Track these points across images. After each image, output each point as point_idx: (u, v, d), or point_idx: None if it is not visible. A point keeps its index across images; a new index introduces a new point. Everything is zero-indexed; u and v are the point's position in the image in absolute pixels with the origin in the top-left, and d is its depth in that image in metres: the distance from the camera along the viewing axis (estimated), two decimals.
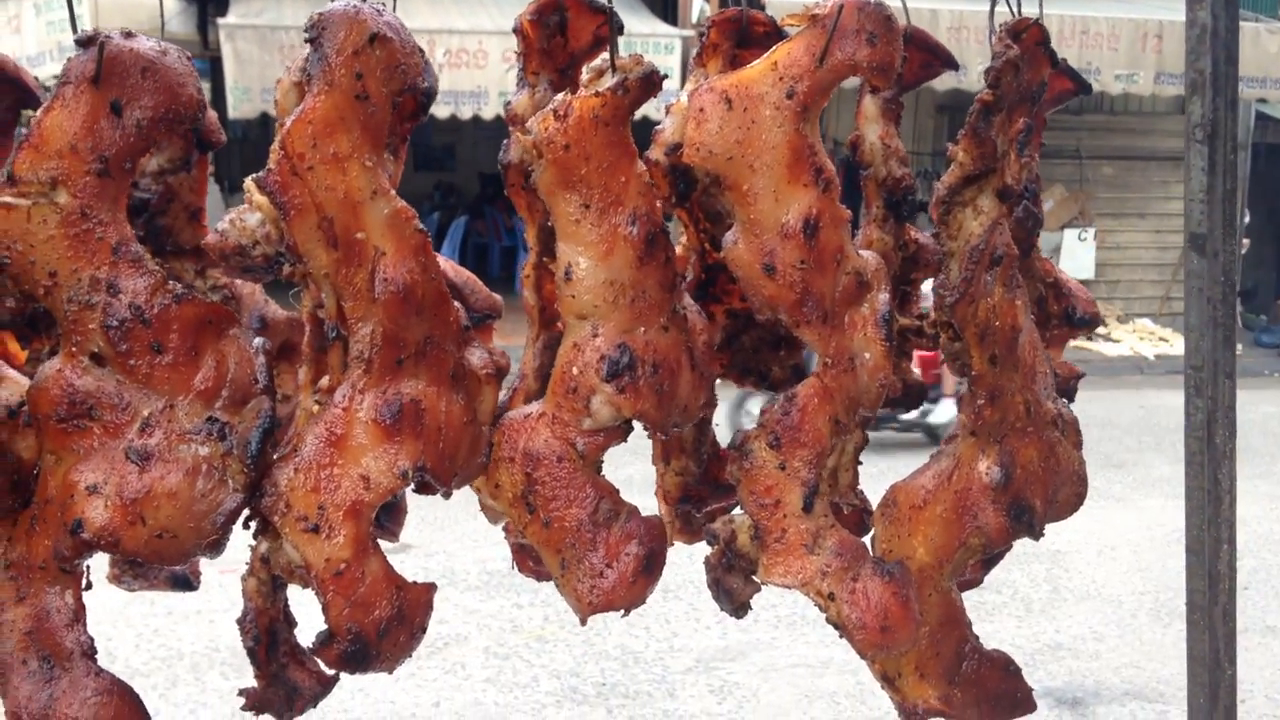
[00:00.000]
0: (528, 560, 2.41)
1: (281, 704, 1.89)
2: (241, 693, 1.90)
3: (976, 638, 1.87)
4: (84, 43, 1.39)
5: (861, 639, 1.64)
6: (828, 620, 1.66)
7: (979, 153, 1.75)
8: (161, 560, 1.44)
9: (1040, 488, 1.83)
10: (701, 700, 5.70)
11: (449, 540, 7.57)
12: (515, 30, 1.95)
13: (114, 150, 1.40)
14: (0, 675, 1.45)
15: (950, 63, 2.17)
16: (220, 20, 12.30)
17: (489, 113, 12.81)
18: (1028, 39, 1.79)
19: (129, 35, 1.42)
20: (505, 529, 2.33)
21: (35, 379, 1.43)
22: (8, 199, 1.37)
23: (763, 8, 2.03)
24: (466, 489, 1.76)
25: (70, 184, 1.38)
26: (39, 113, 1.39)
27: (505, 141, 1.98)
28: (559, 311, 1.67)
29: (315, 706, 1.96)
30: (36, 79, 2.07)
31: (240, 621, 1.89)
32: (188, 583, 2.29)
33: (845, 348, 1.70)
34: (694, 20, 13.25)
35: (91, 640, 1.45)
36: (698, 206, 2.07)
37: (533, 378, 2.07)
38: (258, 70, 11.93)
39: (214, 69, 17.16)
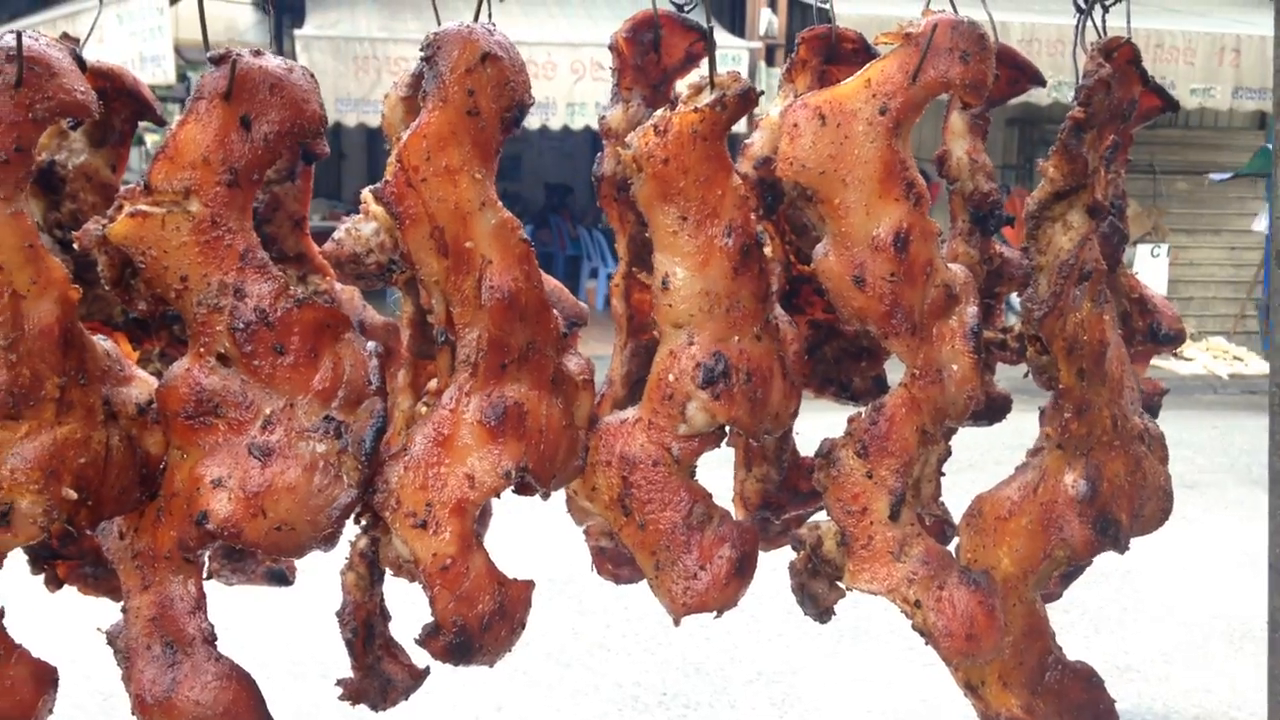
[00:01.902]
0: (606, 563, 2.46)
1: (376, 695, 1.96)
2: (339, 682, 1.97)
3: (1060, 649, 1.89)
4: (217, 60, 1.47)
5: (947, 646, 1.67)
6: (913, 627, 1.69)
7: (1070, 169, 1.77)
8: (279, 552, 1.51)
9: (1126, 502, 1.85)
10: (762, 712, 5.71)
11: (510, 546, 7.64)
12: (610, 47, 2.01)
13: (243, 162, 1.47)
14: (126, 659, 1.53)
15: (1037, 79, 2.19)
16: (297, 31, 12.58)
17: (555, 123, 12.95)
18: (1119, 57, 1.81)
19: (257, 53, 1.50)
20: (587, 531, 2.39)
21: (164, 378, 1.51)
22: (144, 207, 1.45)
23: (831, 19, 2.06)
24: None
25: (202, 193, 1.46)
26: (174, 125, 1.47)
27: (599, 155, 2.05)
28: (655, 320, 1.72)
29: (406, 699, 2.03)
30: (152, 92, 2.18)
31: (339, 614, 1.97)
32: (284, 578, 2.38)
33: (933, 359, 1.73)
34: (761, 32, 13.27)
35: (212, 627, 1.53)
36: (784, 219, 2.12)
37: (620, 384, 2.13)
38: (331, 80, 12.17)
39: None
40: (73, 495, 1.43)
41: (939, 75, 1.68)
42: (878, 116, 1.67)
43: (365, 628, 1.96)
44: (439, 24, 1.70)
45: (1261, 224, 14.99)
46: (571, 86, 12.68)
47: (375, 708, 1.96)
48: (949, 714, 5.71)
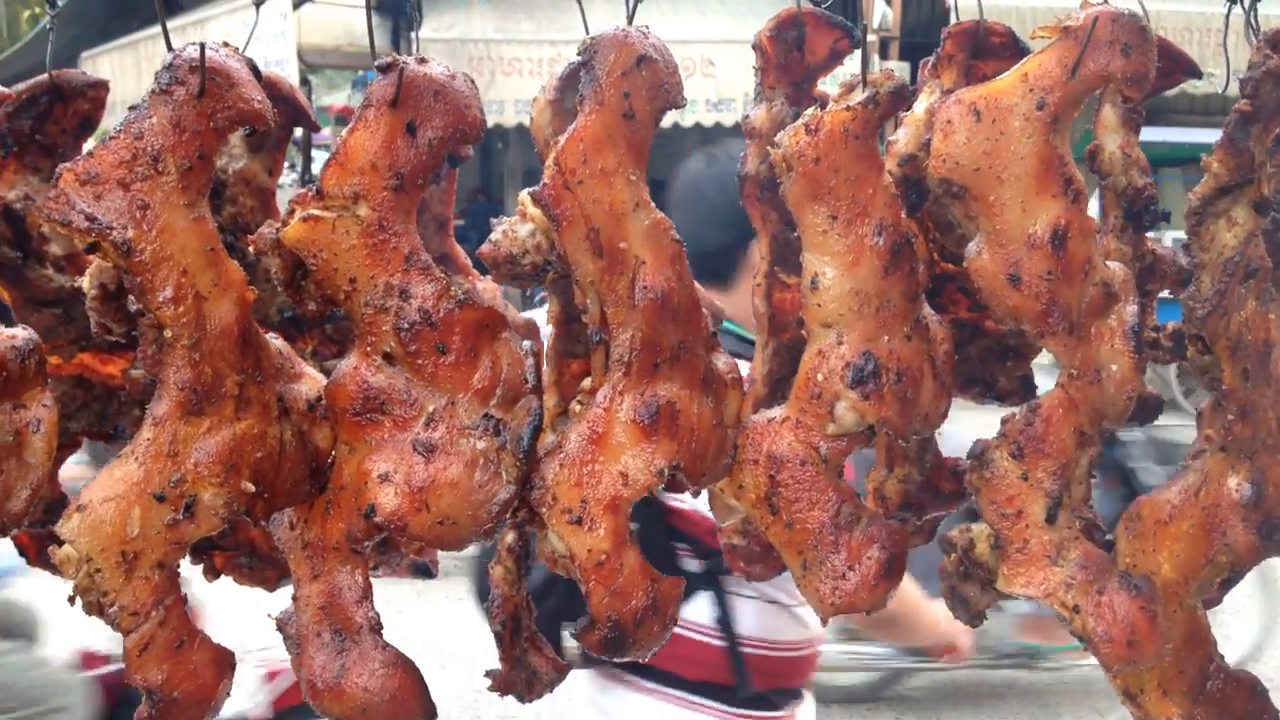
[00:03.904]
0: (739, 561, 2.47)
1: (522, 687, 2.00)
2: (488, 674, 2.02)
3: (1222, 656, 1.83)
4: (384, 69, 1.52)
5: (1107, 652, 1.63)
6: (1071, 632, 1.66)
7: (1235, 164, 1.71)
8: (441, 545, 1.55)
9: None
10: None
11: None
12: (754, 46, 2.01)
13: (408, 167, 1.52)
14: (297, 646, 1.59)
15: (1192, 71, 2.11)
16: (413, 35, 12.85)
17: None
18: None
19: (422, 61, 1.55)
20: (721, 529, 2.40)
21: (333, 376, 1.57)
22: (316, 211, 1.51)
23: (946, 12, 2.03)
24: None
25: (370, 198, 1.51)
26: (344, 133, 1.53)
27: (742, 153, 2.05)
28: (803, 319, 1.72)
29: (551, 691, 2.06)
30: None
31: (487, 608, 2.02)
32: (427, 570, 2.44)
33: (1091, 359, 1.69)
34: (875, 25, 13.09)
35: (378, 616, 1.58)
36: (928, 216, 2.09)
37: (761, 383, 2.13)
38: None
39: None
40: (251, 488, 1.49)
41: (1099, 69, 1.64)
42: (1035, 112, 1.64)
43: (513, 620, 2.00)
44: (586, 29, 1.73)
45: None
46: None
47: (522, 699, 2.00)
48: None
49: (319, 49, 16.55)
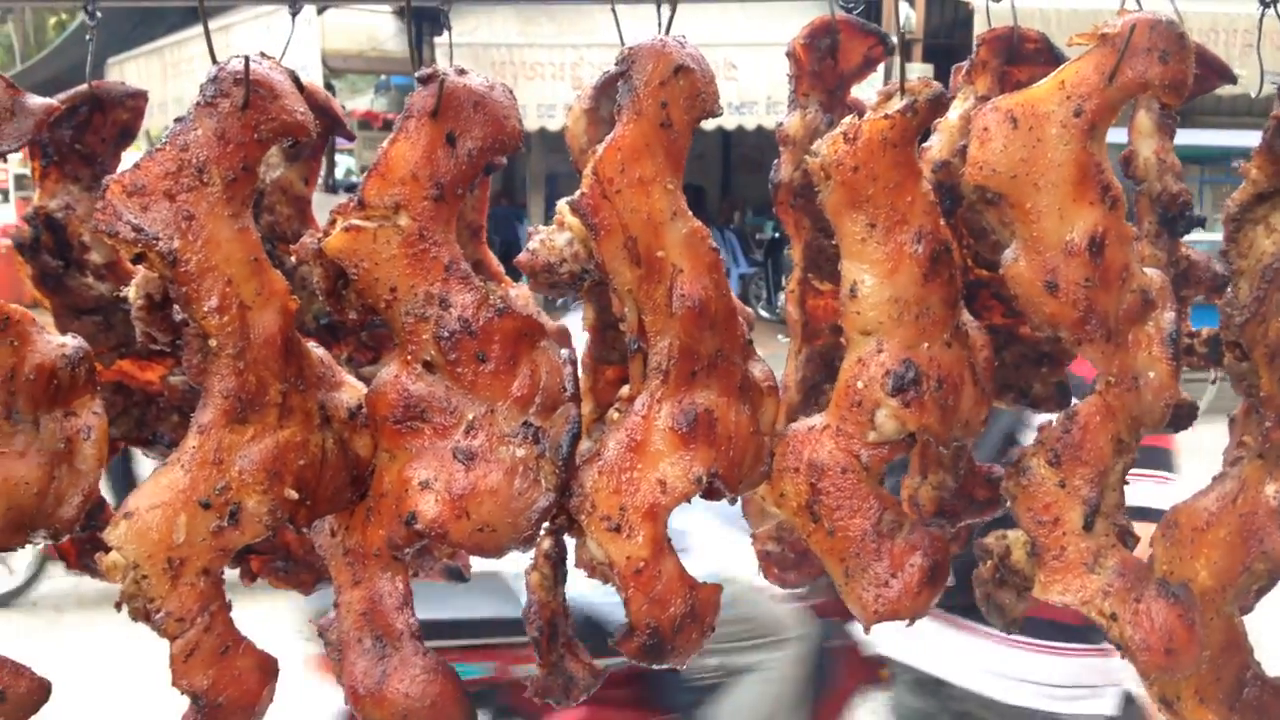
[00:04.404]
0: (773, 568, 2.47)
1: (560, 692, 2.02)
2: (525, 679, 2.03)
3: (1259, 664, 1.82)
4: (425, 79, 1.53)
5: (1145, 660, 1.63)
6: (1109, 640, 1.66)
7: (1273, 170, 1.71)
8: (481, 552, 1.56)
9: None
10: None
11: None
12: (787, 54, 2.02)
13: (448, 177, 1.53)
14: (339, 652, 1.61)
15: (1227, 76, 2.11)
16: (437, 39, 12.90)
17: None
18: None
19: (462, 72, 1.56)
20: (754, 536, 2.40)
21: (374, 384, 1.58)
22: (357, 221, 1.52)
23: (969, 15, 2.02)
24: None
25: (410, 208, 1.52)
26: (385, 144, 1.54)
27: (775, 161, 2.05)
28: (842, 327, 1.72)
29: (588, 696, 2.07)
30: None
31: (524, 614, 2.03)
32: (460, 574, 2.46)
33: (1129, 366, 1.69)
34: (899, 26, 13.06)
35: (418, 623, 1.59)
36: (962, 222, 2.09)
37: (795, 390, 2.13)
38: None
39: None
40: (294, 495, 1.51)
41: (1137, 76, 1.64)
42: (1072, 119, 1.64)
43: (550, 626, 2.01)
44: (619, 39, 1.74)
45: None
46: None
47: (559, 704, 2.02)
48: None
49: (342, 54, 16.63)
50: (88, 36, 2.21)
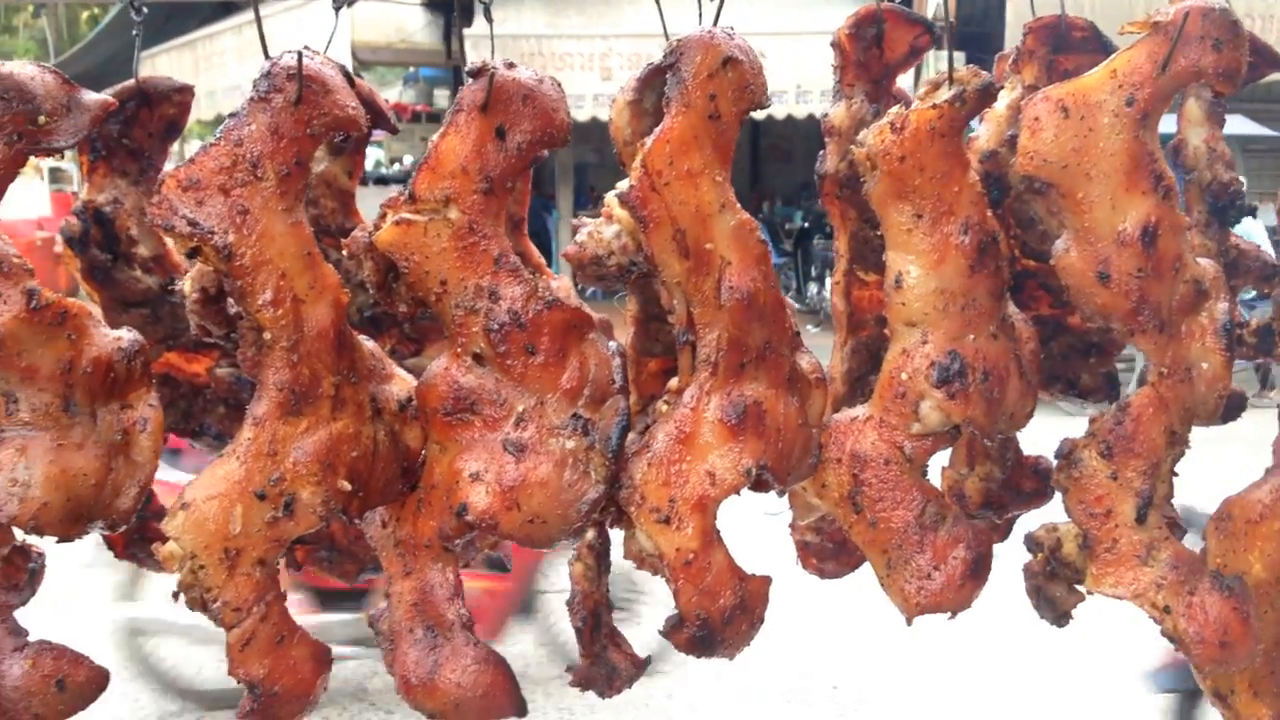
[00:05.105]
0: (811, 558, 2.47)
1: (603, 682, 2.02)
2: (568, 669, 2.04)
3: None
4: (474, 74, 1.54)
5: (1199, 653, 1.62)
6: (1162, 633, 1.65)
7: None
8: (530, 543, 1.57)
9: None
10: (939, 708, 5.63)
11: None
12: (832, 44, 2.01)
13: (498, 170, 1.54)
14: (390, 642, 1.62)
15: (1277, 63, 2.08)
16: (466, 31, 12.93)
17: None
18: None
19: (511, 66, 1.56)
20: (792, 526, 2.40)
21: (424, 376, 1.59)
22: (408, 215, 1.53)
23: (1001, 1, 2.00)
24: None
25: (460, 201, 1.53)
26: (435, 138, 1.55)
27: (821, 152, 2.04)
28: (887, 318, 1.72)
29: (630, 687, 2.08)
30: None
31: (568, 604, 2.04)
32: (502, 565, 2.47)
33: (1182, 357, 1.68)
34: (929, 15, 12.95)
35: (469, 613, 1.60)
36: (1009, 213, 2.07)
37: (840, 381, 2.13)
38: None
39: (456, 78, 18.01)
40: (347, 486, 1.52)
41: (1190, 64, 1.62)
42: (1124, 108, 1.62)
43: (593, 617, 2.02)
44: (666, 33, 1.74)
45: None
46: None
47: (602, 694, 2.02)
48: None
49: (370, 46, 16.69)
50: (135, 32, 2.23)
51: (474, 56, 12.61)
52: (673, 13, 1.83)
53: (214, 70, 15.35)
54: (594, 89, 13.34)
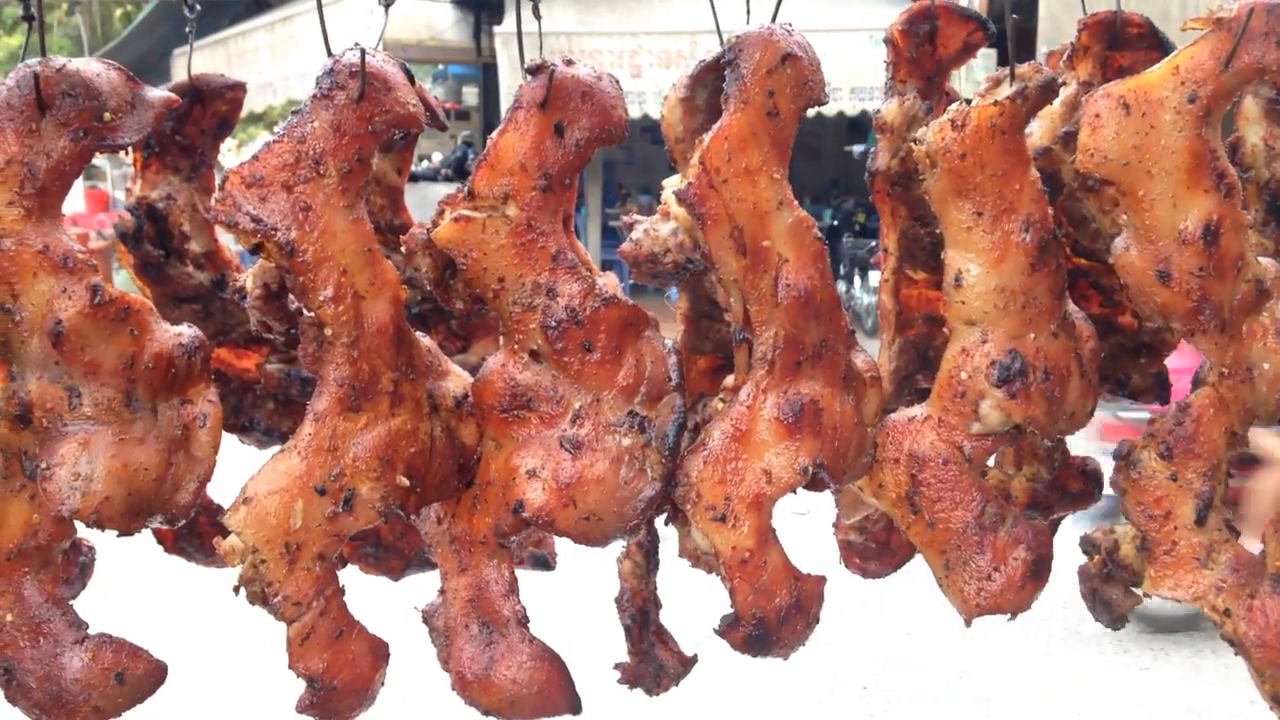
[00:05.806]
0: (854, 558, 2.46)
1: (650, 679, 2.02)
2: (616, 667, 2.04)
3: None
4: (534, 71, 1.54)
5: (1260, 657, 1.60)
6: (1222, 636, 1.63)
7: None
8: (587, 541, 1.57)
9: None
10: (966, 710, 5.60)
11: None
12: (885, 40, 1.99)
13: (556, 167, 1.54)
14: (445, 638, 1.63)
15: None
16: (496, 28, 12.95)
17: None
18: None
19: (569, 62, 1.56)
20: (836, 525, 2.39)
21: (480, 373, 1.59)
22: (466, 212, 1.53)
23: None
24: None
25: (519, 198, 1.53)
26: (494, 135, 1.55)
27: (872, 149, 2.03)
28: (945, 316, 1.71)
29: (677, 685, 2.08)
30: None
31: (618, 601, 2.04)
32: (546, 563, 2.47)
33: (1243, 357, 1.66)
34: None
35: (525, 609, 1.60)
36: (1061, 210, 2.06)
37: (888, 380, 2.11)
38: None
39: (486, 75, 18.04)
40: (405, 482, 1.52)
41: (1254, 61, 1.60)
42: (1186, 105, 1.60)
43: (641, 614, 2.02)
44: (719, 30, 1.73)
45: None
46: None
47: (650, 692, 2.03)
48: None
49: (401, 43, 16.76)
50: (188, 29, 2.25)
51: (504, 54, 12.63)
52: (703, 10, 1.82)
53: (246, 67, 15.46)
54: (624, 86, 13.32)
